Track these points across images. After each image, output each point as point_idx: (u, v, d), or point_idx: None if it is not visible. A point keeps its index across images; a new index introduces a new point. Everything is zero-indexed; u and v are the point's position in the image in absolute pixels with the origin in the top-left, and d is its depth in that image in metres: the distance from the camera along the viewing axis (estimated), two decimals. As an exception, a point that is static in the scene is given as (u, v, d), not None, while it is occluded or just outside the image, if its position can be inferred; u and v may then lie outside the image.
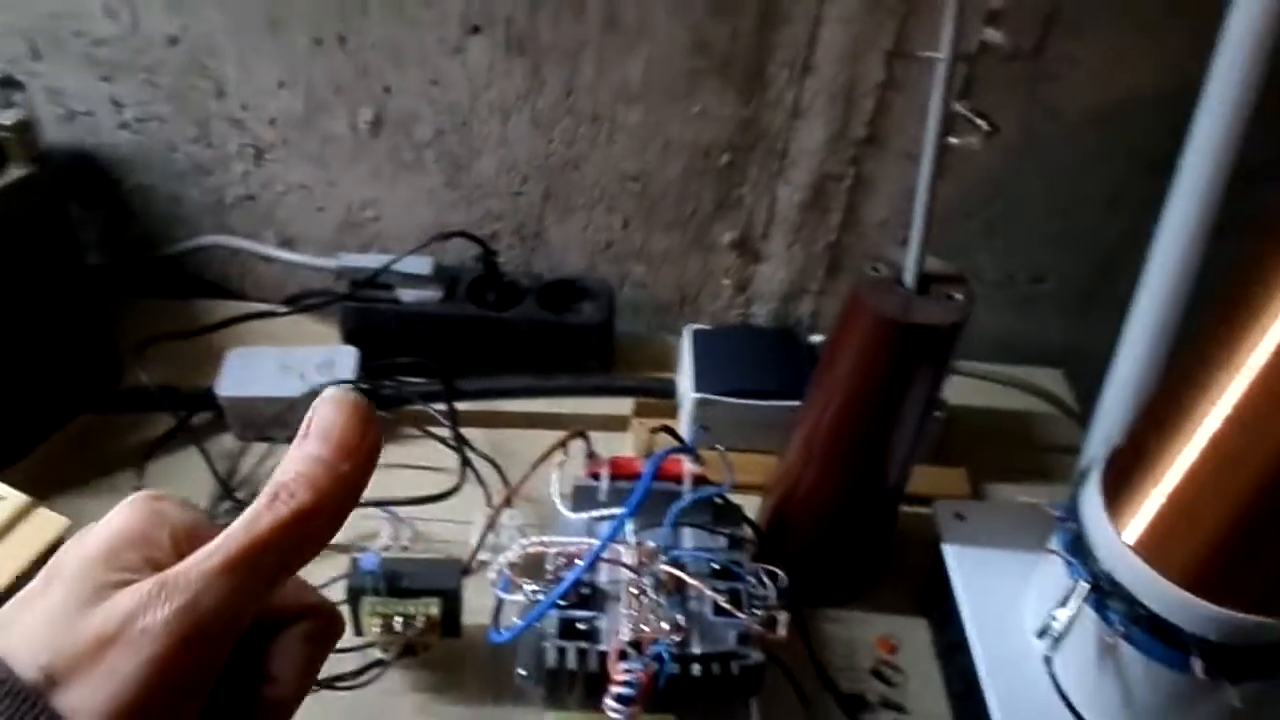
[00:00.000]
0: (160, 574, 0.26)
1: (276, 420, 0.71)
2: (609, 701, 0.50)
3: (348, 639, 0.57)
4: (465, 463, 0.71)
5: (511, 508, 0.65)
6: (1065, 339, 0.87)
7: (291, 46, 0.73)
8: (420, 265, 0.77)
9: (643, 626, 0.53)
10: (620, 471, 0.62)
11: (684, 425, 0.74)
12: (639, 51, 0.72)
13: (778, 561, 0.57)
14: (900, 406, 0.57)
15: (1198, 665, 0.48)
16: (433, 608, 0.56)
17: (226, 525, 0.27)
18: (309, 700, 0.30)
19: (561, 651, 0.54)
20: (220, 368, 0.73)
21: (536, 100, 0.75)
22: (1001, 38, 0.50)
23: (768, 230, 0.82)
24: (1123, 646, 0.51)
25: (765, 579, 0.56)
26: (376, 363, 0.76)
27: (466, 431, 0.74)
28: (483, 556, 0.64)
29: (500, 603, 0.56)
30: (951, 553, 0.63)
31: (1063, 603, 0.53)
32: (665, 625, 0.53)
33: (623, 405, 0.78)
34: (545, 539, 0.57)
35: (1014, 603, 0.59)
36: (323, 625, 0.30)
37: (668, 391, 0.78)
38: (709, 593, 0.55)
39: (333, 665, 0.57)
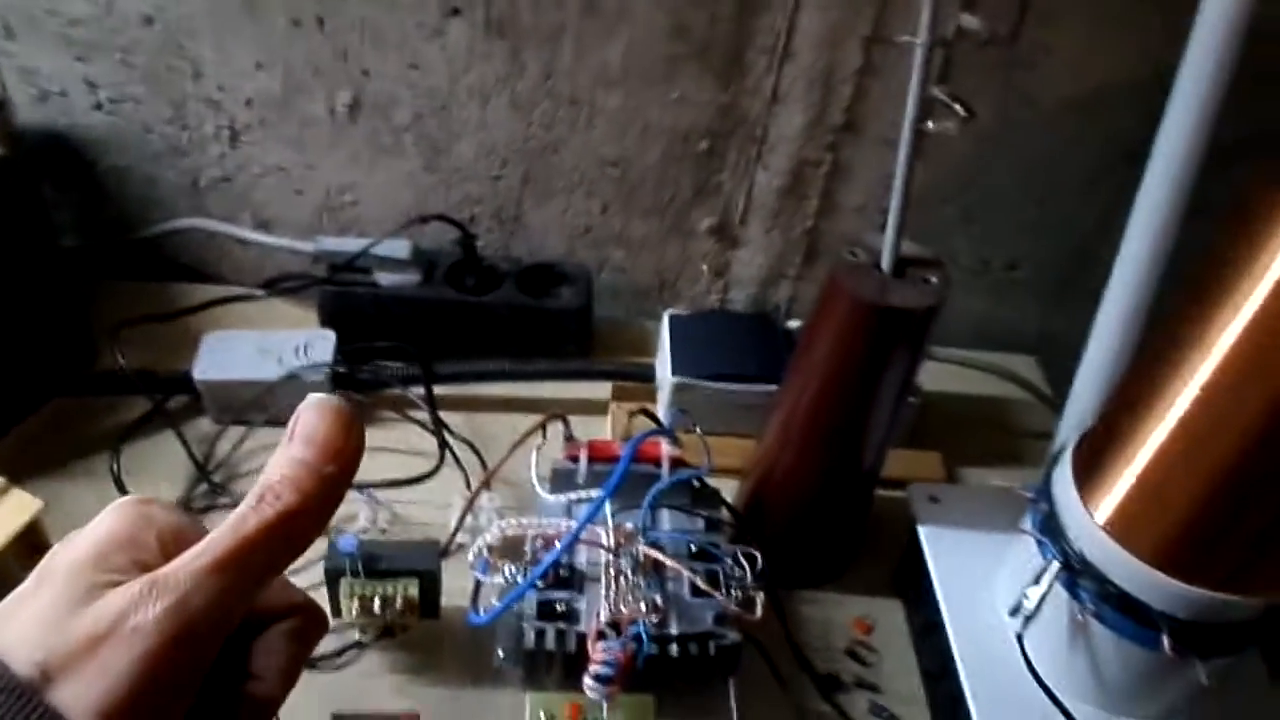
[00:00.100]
0: (150, 574, 0.26)
1: (254, 403, 0.70)
2: (588, 681, 0.51)
3: (326, 620, 0.57)
4: (444, 446, 0.71)
5: (490, 490, 0.65)
6: (1040, 326, 0.88)
7: (269, 27, 0.73)
8: (399, 249, 0.77)
9: (621, 607, 0.54)
10: (598, 454, 0.63)
11: (662, 410, 0.74)
12: (618, 36, 0.72)
13: (755, 543, 0.58)
14: (876, 389, 0.58)
15: (1167, 642, 0.49)
16: (411, 589, 0.56)
17: (211, 522, 0.27)
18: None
19: (540, 633, 0.55)
20: (197, 351, 0.72)
21: (516, 84, 0.75)
22: (978, 23, 0.50)
23: (746, 216, 0.82)
24: (1093, 624, 0.52)
25: (743, 560, 0.57)
26: (354, 346, 0.76)
27: (445, 415, 0.74)
28: (461, 539, 0.64)
29: (479, 584, 0.56)
30: (926, 535, 0.63)
31: (1035, 581, 0.54)
32: (643, 606, 0.54)
33: (601, 390, 0.78)
34: (524, 521, 0.57)
35: (987, 583, 0.60)
36: (306, 623, 0.31)
37: (646, 376, 0.79)
38: (687, 574, 0.55)
39: (311, 647, 0.57)
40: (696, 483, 0.62)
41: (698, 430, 0.62)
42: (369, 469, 0.67)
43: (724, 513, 0.63)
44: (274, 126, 0.78)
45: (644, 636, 0.52)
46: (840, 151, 0.78)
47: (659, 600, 0.55)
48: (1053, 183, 0.80)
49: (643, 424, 0.64)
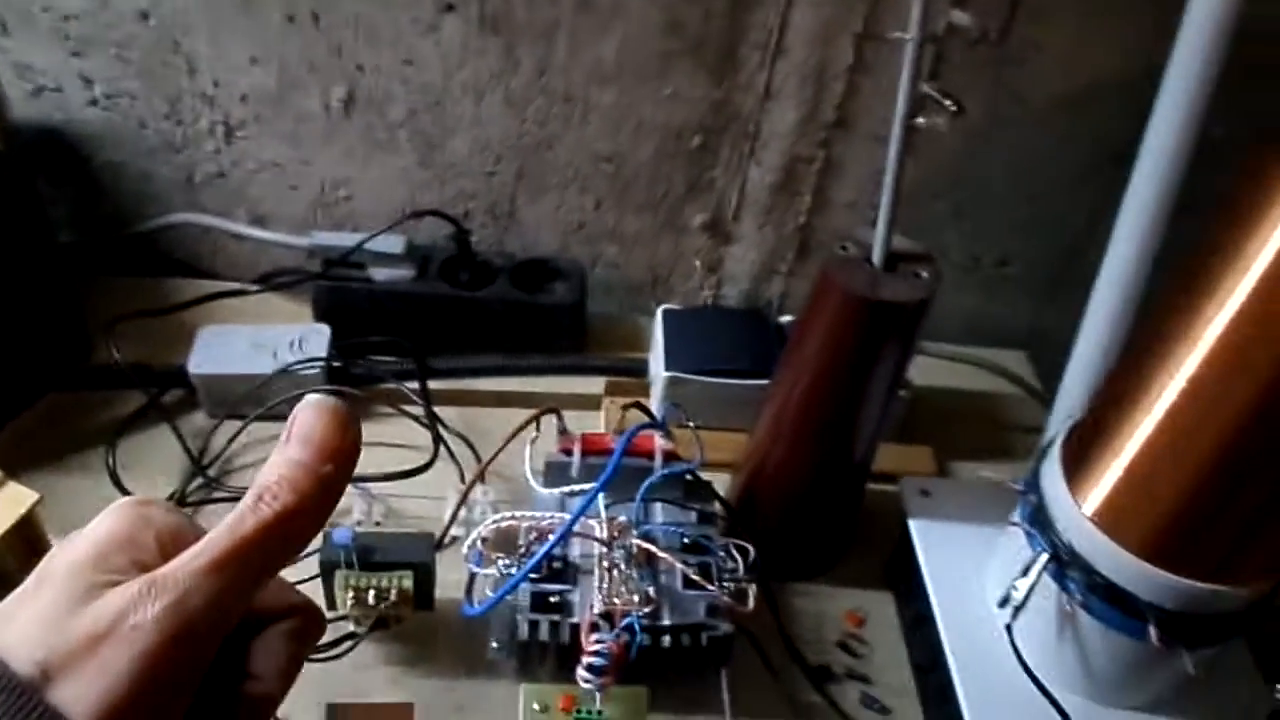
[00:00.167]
0: (149, 574, 0.26)
1: (248, 398, 0.71)
2: (581, 673, 0.51)
3: (321, 612, 0.57)
4: (438, 440, 0.72)
5: (484, 484, 0.66)
6: (1030, 322, 0.89)
7: (264, 23, 0.73)
8: (393, 244, 0.77)
9: (614, 599, 0.54)
10: (592, 448, 0.63)
11: (655, 404, 0.75)
12: (612, 32, 0.73)
13: (747, 536, 0.58)
14: (867, 383, 0.58)
15: (1154, 633, 0.50)
16: (405, 580, 0.57)
17: (206, 516, 0.28)
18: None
19: (534, 624, 0.55)
20: (192, 345, 0.73)
21: (510, 80, 0.75)
22: (969, 20, 0.51)
23: (738, 212, 0.83)
24: (1081, 615, 0.52)
25: (735, 553, 0.58)
26: (349, 341, 0.76)
27: (439, 409, 0.74)
28: (456, 532, 0.64)
29: (473, 576, 0.57)
30: (917, 528, 0.64)
31: (1024, 573, 0.55)
32: (636, 598, 0.54)
33: (595, 384, 0.79)
34: (518, 514, 0.57)
35: (977, 576, 0.61)
36: (305, 624, 0.31)
37: (639, 371, 0.79)
38: (679, 566, 0.56)
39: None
40: (689, 476, 0.62)
41: (690, 424, 0.63)
42: (364, 462, 0.66)
43: (716, 506, 0.63)
44: (269, 122, 0.79)
45: (637, 628, 0.53)
46: (832, 147, 0.78)
47: (652, 592, 0.55)
48: (1043, 180, 0.80)
49: (636, 418, 0.64)
